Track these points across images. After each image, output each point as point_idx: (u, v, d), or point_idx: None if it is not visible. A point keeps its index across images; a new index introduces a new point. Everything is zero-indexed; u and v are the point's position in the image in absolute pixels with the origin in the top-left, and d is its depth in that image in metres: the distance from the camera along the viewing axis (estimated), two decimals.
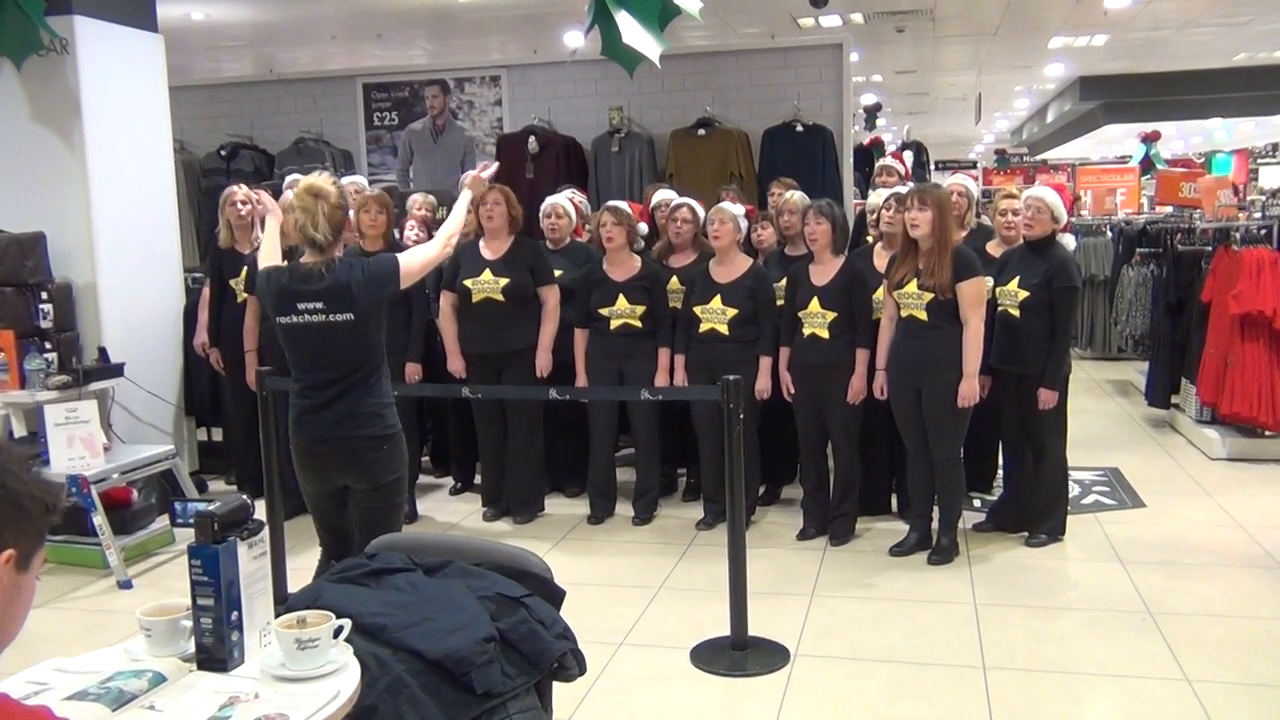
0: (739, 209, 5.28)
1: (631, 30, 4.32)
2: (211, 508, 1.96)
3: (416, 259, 3.47)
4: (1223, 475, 6.10)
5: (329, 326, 3.30)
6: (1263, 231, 6.53)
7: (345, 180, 6.77)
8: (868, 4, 10.21)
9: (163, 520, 5.31)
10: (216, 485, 6.29)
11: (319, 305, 3.29)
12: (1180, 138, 22.92)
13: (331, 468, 3.41)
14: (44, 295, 5.30)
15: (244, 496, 2.08)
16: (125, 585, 4.71)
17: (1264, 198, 9.43)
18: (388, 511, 3.44)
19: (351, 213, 4.17)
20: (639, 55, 4.27)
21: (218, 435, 6.61)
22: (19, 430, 5.08)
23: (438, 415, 6.28)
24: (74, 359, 5.33)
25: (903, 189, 5.25)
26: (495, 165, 4.12)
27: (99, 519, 4.71)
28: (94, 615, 4.43)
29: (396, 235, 5.57)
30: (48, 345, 5.21)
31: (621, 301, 5.24)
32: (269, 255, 3.54)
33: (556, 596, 2.36)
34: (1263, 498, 5.62)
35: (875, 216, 5.47)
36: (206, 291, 5.83)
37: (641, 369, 5.26)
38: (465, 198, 3.80)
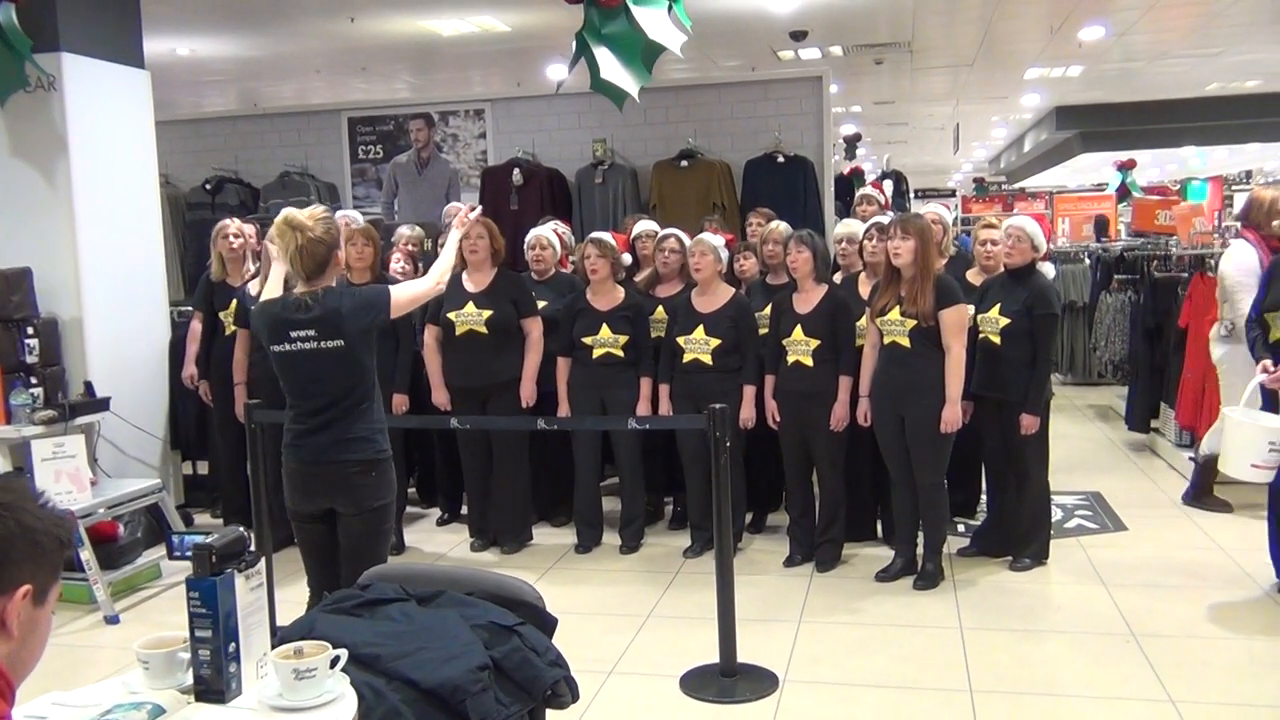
0: (719, 240, 5.35)
1: (610, 66, 4.39)
2: (209, 540, 1.98)
3: (407, 292, 3.56)
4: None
5: (321, 353, 3.37)
6: None
7: (336, 215, 6.81)
8: (846, 37, 10.35)
9: (149, 555, 5.31)
10: (203, 519, 6.28)
11: (311, 333, 3.36)
12: (1155, 165, 23.22)
13: (321, 491, 3.45)
14: (30, 330, 5.30)
15: (241, 528, 2.09)
16: (112, 620, 4.70)
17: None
18: (374, 538, 3.47)
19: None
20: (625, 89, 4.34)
21: (203, 469, 6.60)
22: (4, 465, 5.06)
23: (423, 446, 6.30)
24: (60, 394, 5.33)
25: (884, 218, 5.33)
26: (479, 208, 4.20)
27: (86, 554, 4.70)
28: (81, 651, 4.41)
29: (383, 268, 5.61)
30: (33, 380, 5.21)
31: (605, 331, 5.28)
32: (270, 295, 3.58)
33: (549, 625, 2.39)
34: (1241, 520, 5.67)
35: (842, 247, 5.53)
36: (195, 324, 5.85)
37: (624, 398, 5.29)
38: (455, 237, 3.88)
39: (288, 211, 3.41)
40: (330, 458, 3.39)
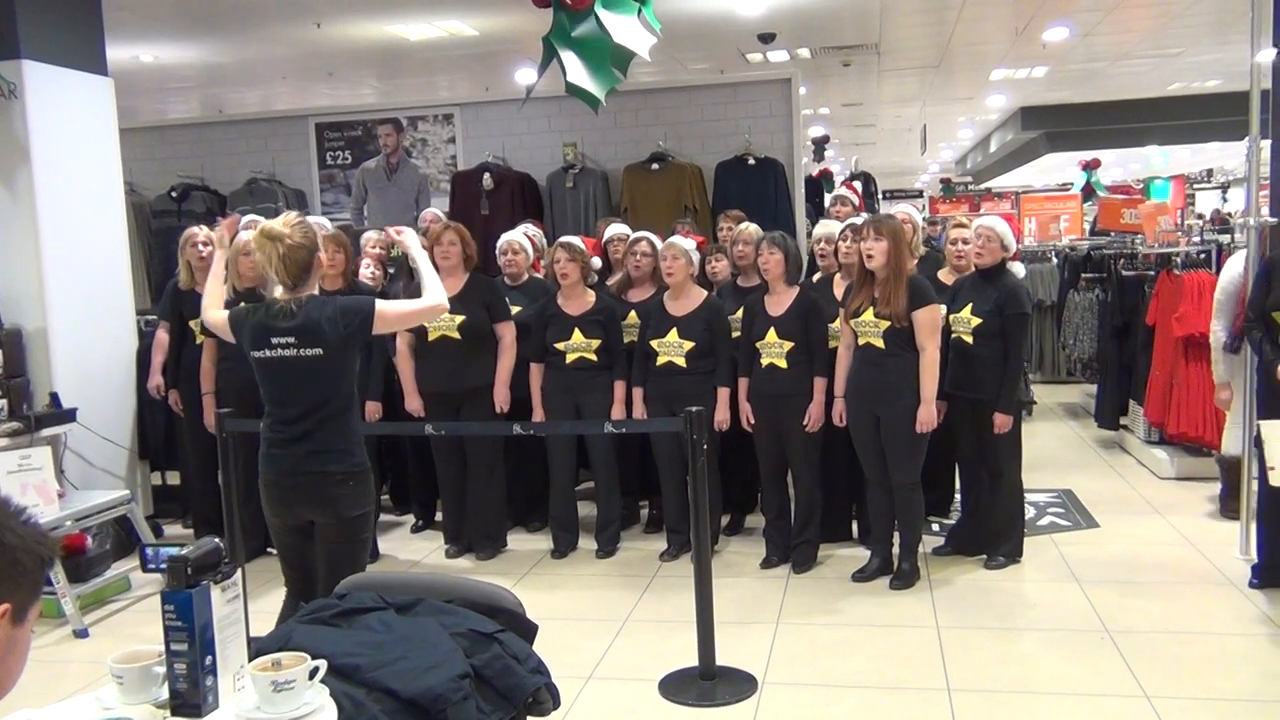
0: (690, 243, 5.35)
1: (576, 70, 4.38)
2: (184, 551, 1.94)
3: (395, 309, 3.55)
4: (1172, 494, 6.23)
5: (299, 361, 3.36)
6: (1203, 256, 6.71)
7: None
8: (814, 39, 10.41)
9: (118, 567, 5.23)
10: (172, 529, 6.20)
11: (291, 340, 3.35)
12: (1119, 165, 23.49)
13: (299, 502, 3.43)
14: None
15: (216, 539, 2.06)
16: (81, 634, 4.63)
17: (1201, 223, 9.68)
18: (352, 547, 3.45)
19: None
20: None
21: (172, 479, 6.52)
22: None
23: (396, 453, 6.25)
24: (25, 405, 5.24)
25: (858, 219, 5.35)
26: (404, 230, 4.10)
27: (54, 568, 4.62)
28: (51, 666, 4.34)
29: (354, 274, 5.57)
30: None
31: (577, 335, 5.27)
32: (213, 296, 3.62)
33: (529, 631, 2.37)
34: (1211, 516, 5.74)
35: (821, 247, 5.54)
36: (161, 334, 5.78)
37: (598, 402, 5.28)
38: (422, 257, 3.80)
39: (263, 224, 3.40)
40: (307, 469, 3.38)
